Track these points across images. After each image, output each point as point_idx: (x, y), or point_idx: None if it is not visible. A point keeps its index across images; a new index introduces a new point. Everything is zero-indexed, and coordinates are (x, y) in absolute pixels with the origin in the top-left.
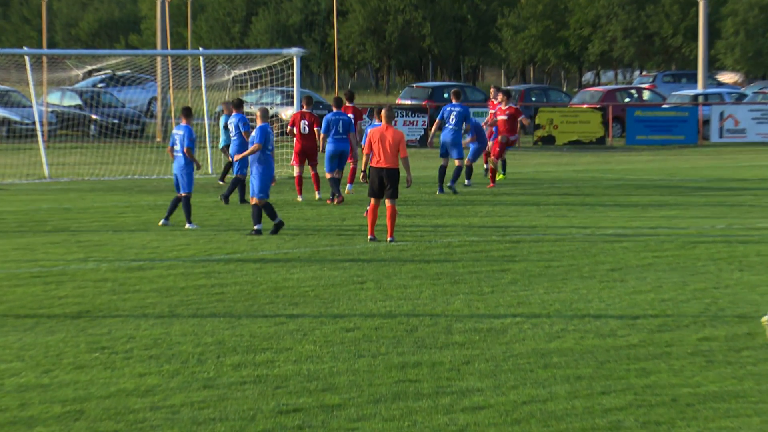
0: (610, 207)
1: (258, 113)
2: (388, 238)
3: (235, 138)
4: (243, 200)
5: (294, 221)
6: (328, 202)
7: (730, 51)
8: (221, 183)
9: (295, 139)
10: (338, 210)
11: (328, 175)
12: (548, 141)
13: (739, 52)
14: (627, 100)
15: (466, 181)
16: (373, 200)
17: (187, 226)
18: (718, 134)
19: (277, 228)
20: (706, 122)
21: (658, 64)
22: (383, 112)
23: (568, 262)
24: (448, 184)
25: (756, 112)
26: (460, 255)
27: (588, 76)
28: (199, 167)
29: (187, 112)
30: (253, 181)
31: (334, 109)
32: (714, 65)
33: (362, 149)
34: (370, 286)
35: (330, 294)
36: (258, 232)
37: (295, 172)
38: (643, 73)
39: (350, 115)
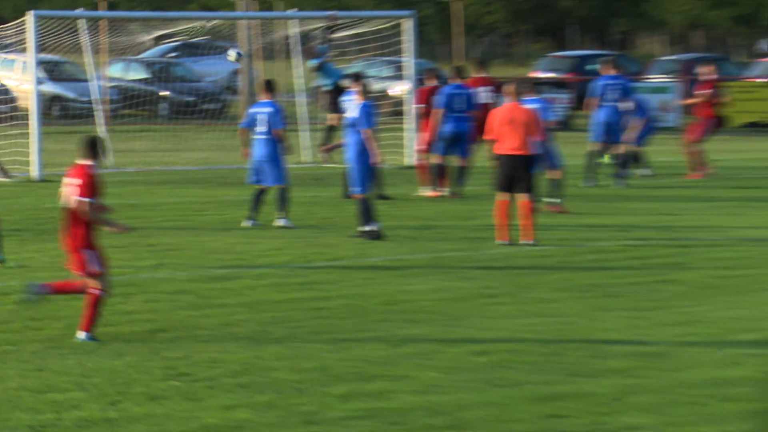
0: None
1: (359, 88)
2: (525, 241)
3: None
4: (347, 195)
5: (410, 221)
6: (443, 195)
7: None
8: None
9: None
10: (465, 207)
11: (438, 160)
12: (718, 123)
13: None
14: None
15: (640, 171)
16: (503, 195)
17: (279, 222)
18: None
19: (371, 236)
20: None
21: None
22: (510, 87)
23: (747, 272)
24: (615, 174)
25: None
26: (615, 262)
27: (763, 45)
28: (289, 152)
29: (269, 86)
30: (352, 172)
31: (454, 82)
32: None
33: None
34: (504, 300)
35: (456, 310)
36: (372, 234)
37: (430, 159)
38: None
39: (481, 88)
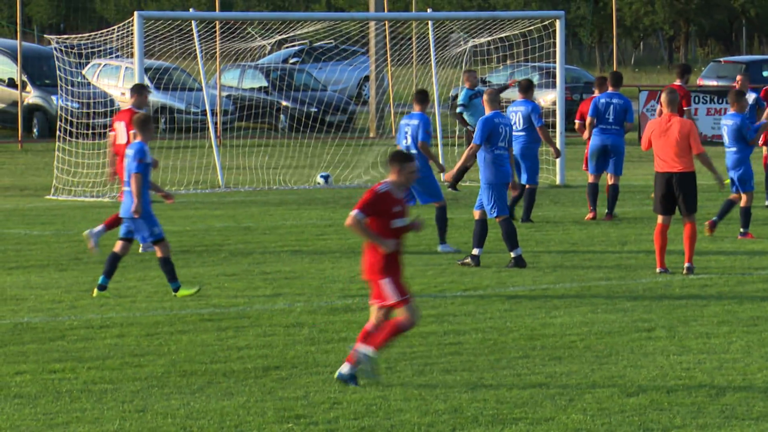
0: None
1: (485, 97)
2: (686, 264)
3: (523, 133)
4: (526, 218)
5: (556, 246)
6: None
7: None
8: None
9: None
10: (616, 231)
11: (590, 179)
12: None
13: None
14: None
15: None
16: (660, 218)
17: (439, 248)
18: None
19: (517, 263)
20: None
21: None
22: (663, 95)
23: None
24: None
25: None
26: (752, 293)
27: None
28: (441, 169)
29: (421, 97)
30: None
31: (607, 89)
32: None
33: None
34: (660, 334)
35: (605, 345)
36: (474, 259)
37: (589, 179)
38: None
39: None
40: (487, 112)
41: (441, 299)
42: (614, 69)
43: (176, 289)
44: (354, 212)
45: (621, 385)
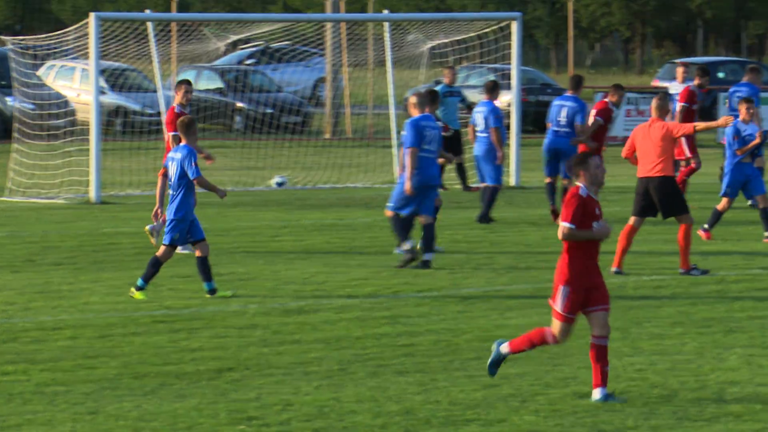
0: None
1: (411, 100)
2: (680, 270)
3: (485, 134)
4: (483, 218)
5: (510, 247)
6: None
7: None
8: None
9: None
10: None
11: (546, 180)
12: None
13: None
14: None
15: None
16: (633, 219)
17: (425, 256)
18: None
19: (405, 262)
20: None
21: None
22: (653, 100)
23: None
24: None
25: None
26: (738, 294)
27: None
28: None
29: (430, 96)
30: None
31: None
32: None
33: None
34: (613, 336)
35: (558, 347)
36: (409, 252)
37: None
38: None
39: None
40: (415, 115)
41: (395, 300)
42: (570, 71)
43: (211, 291)
44: (565, 224)
45: (574, 387)
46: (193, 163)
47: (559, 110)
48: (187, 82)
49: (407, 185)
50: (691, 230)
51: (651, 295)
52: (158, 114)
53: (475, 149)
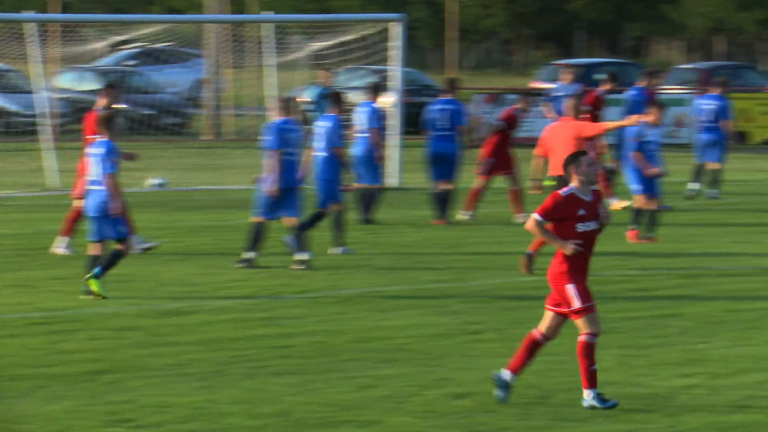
0: None
1: (276, 104)
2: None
3: (363, 135)
4: (364, 219)
5: (389, 248)
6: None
7: None
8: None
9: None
10: (449, 234)
11: (432, 186)
12: (740, 138)
13: None
14: None
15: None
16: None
17: (339, 250)
18: None
19: (245, 262)
20: None
21: None
22: (567, 101)
23: (762, 305)
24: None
25: None
26: (614, 294)
27: None
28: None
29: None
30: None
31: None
32: None
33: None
34: (489, 337)
35: (435, 348)
36: (245, 261)
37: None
38: None
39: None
40: (277, 118)
41: (272, 302)
42: (451, 72)
43: (95, 276)
44: (534, 215)
45: (450, 388)
46: (111, 159)
47: (439, 114)
48: (111, 86)
49: (270, 188)
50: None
51: (528, 296)
52: (36, 116)
53: (355, 149)
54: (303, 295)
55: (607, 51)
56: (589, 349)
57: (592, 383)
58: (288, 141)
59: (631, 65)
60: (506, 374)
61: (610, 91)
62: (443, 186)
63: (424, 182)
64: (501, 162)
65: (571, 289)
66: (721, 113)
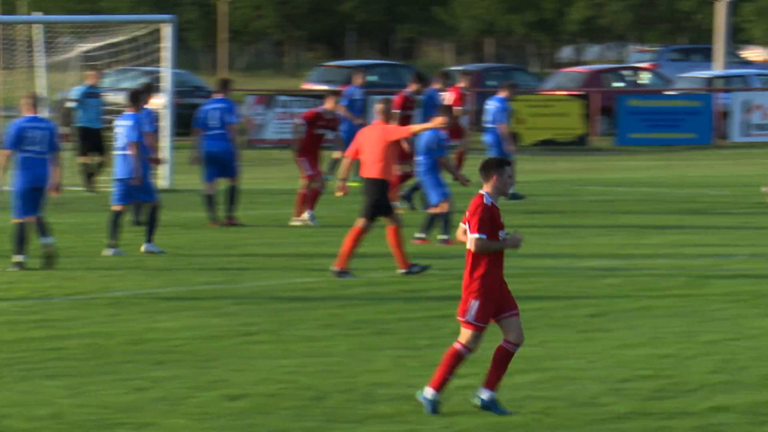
0: (594, 230)
1: (22, 101)
2: (399, 270)
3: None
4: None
5: (161, 248)
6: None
7: (760, 18)
8: None
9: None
10: (222, 236)
11: (205, 188)
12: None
13: None
14: (618, 84)
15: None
16: (361, 221)
17: (144, 247)
18: (742, 131)
19: (18, 266)
20: (726, 115)
21: (661, 36)
22: (378, 105)
23: (535, 305)
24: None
25: None
26: (388, 295)
27: (567, 53)
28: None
29: (135, 97)
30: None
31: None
32: (738, 37)
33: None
34: (264, 338)
35: (209, 350)
36: (17, 265)
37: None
38: (642, 47)
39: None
40: (22, 116)
41: (45, 303)
42: (222, 74)
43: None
44: (475, 236)
45: (225, 390)
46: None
47: (210, 114)
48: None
49: (18, 187)
50: (400, 231)
51: (303, 297)
52: None
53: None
54: (75, 296)
55: (379, 52)
56: (457, 359)
57: (439, 387)
58: (29, 139)
59: (402, 67)
60: (428, 392)
61: (417, 92)
62: (222, 185)
63: (197, 184)
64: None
65: (474, 304)
66: (498, 115)
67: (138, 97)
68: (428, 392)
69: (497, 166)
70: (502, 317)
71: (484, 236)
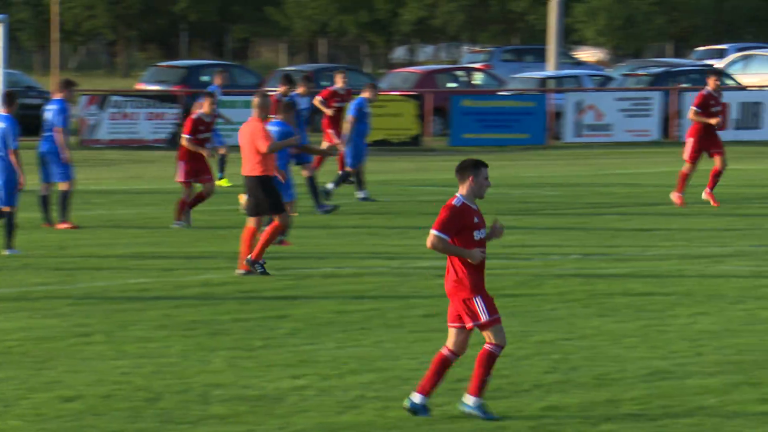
0: (427, 231)
1: None
2: (247, 258)
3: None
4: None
5: None
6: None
7: (591, 19)
8: None
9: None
10: (55, 236)
11: (41, 189)
12: None
13: (603, 20)
14: (452, 85)
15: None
16: (249, 220)
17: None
18: (574, 131)
19: None
20: (559, 115)
21: (494, 36)
22: (255, 99)
23: (369, 306)
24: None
25: (625, 102)
26: (223, 295)
27: (400, 53)
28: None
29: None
30: None
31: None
32: (570, 38)
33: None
34: (98, 339)
35: (44, 351)
36: None
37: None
38: (475, 48)
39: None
40: None
41: None
42: (54, 74)
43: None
44: (434, 232)
45: (59, 391)
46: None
47: (47, 114)
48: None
49: None
50: (277, 231)
51: (137, 297)
52: None
53: None
54: None
55: (212, 53)
56: (490, 359)
57: (480, 392)
58: None
59: (236, 67)
60: (416, 397)
61: (285, 94)
62: (55, 187)
63: (35, 184)
64: (196, 167)
65: (479, 301)
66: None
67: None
68: (470, 399)
69: (473, 167)
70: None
71: (444, 236)
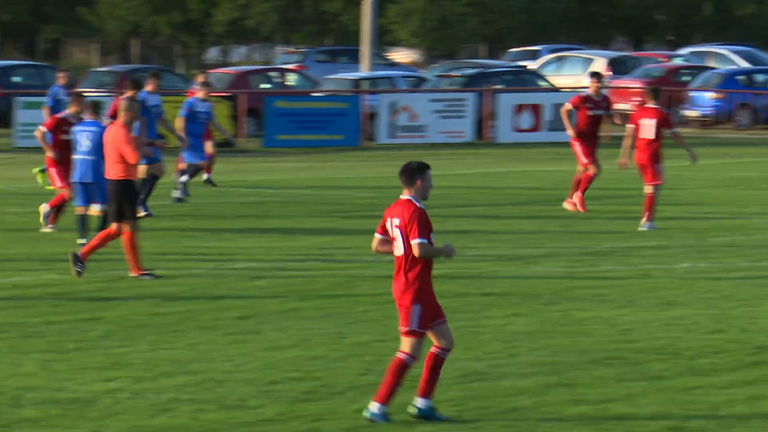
0: (242, 233)
1: None
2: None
3: None
4: None
5: None
6: None
7: (405, 20)
8: None
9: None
10: None
11: None
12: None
13: (417, 20)
14: (265, 86)
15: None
16: (114, 225)
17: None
18: (389, 133)
19: None
20: (373, 116)
21: (308, 37)
22: (120, 102)
23: (182, 308)
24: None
25: (439, 103)
26: (35, 297)
27: (213, 54)
28: None
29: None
30: None
31: None
32: (384, 39)
33: None
34: None
35: None
36: None
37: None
38: (288, 49)
39: None
40: None
41: None
42: None
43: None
44: (418, 241)
45: None
46: None
47: None
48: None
49: None
50: (135, 237)
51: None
52: None
53: None
54: None
55: (24, 53)
56: (401, 368)
57: (386, 400)
58: None
59: (47, 67)
60: (374, 406)
61: (133, 99)
62: None
63: None
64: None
65: (416, 310)
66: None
67: None
68: (374, 407)
69: (420, 171)
70: (436, 324)
71: (425, 240)
